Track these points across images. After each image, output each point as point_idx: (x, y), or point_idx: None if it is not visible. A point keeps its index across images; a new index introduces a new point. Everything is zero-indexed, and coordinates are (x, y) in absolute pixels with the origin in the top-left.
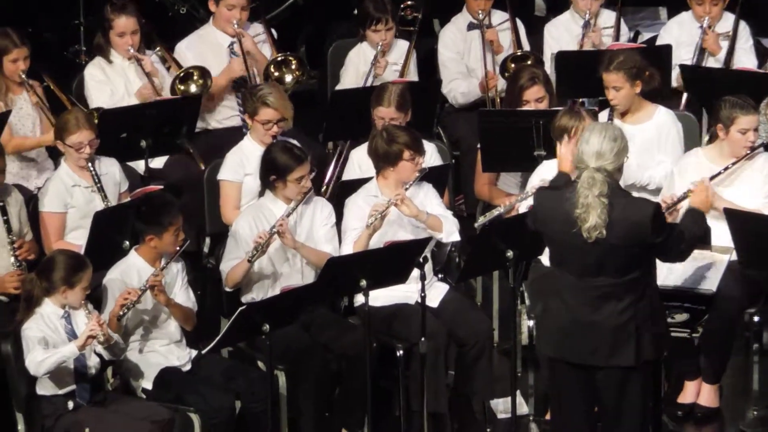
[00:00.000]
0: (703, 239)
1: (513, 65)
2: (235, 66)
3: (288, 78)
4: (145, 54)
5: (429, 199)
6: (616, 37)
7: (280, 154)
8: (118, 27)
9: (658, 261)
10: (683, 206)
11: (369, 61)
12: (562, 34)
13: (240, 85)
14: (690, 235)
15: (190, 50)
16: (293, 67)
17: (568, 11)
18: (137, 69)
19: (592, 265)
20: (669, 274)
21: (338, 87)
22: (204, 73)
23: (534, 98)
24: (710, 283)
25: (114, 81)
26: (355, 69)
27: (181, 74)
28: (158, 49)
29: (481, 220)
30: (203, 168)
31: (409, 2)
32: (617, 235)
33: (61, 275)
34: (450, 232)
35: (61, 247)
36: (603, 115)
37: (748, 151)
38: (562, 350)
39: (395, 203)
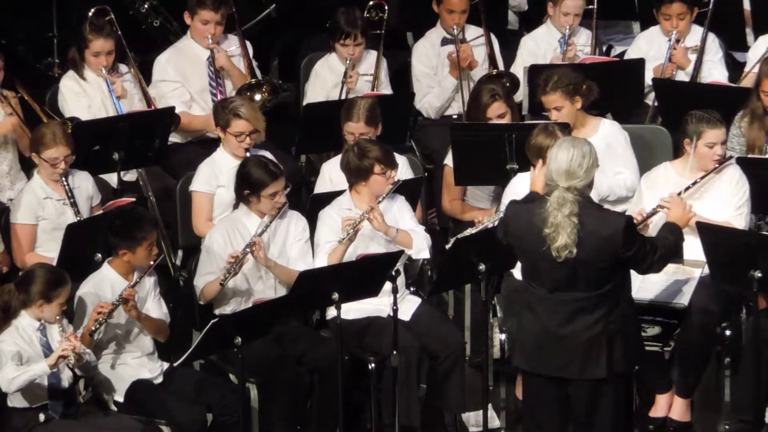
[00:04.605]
0: (677, 252)
1: None
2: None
3: (257, 97)
4: (118, 71)
5: (402, 214)
6: (594, 52)
7: (255, 169)
8: (94, 47)
9: (632, 273)
10: (654, 221)
11: (336, 73)
12: (540, 46)
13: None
14: (664, 247)
15: (170, 63)
16: (263, 89)
17: (544, 25)
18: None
19: (563, 280)
20: (642, 287)
21: (305, 100)
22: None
23: (496, 114)
24: (683, 297)
25: (90, 94)
26: (322, 81)
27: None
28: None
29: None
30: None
31: (371, 2)
32: (587, 251)
33: (39, 289)
34: (420, 248)
35: (33, 260)
36: None
37: (717, 165)
38: (535, 364)
39: (368, 218)
